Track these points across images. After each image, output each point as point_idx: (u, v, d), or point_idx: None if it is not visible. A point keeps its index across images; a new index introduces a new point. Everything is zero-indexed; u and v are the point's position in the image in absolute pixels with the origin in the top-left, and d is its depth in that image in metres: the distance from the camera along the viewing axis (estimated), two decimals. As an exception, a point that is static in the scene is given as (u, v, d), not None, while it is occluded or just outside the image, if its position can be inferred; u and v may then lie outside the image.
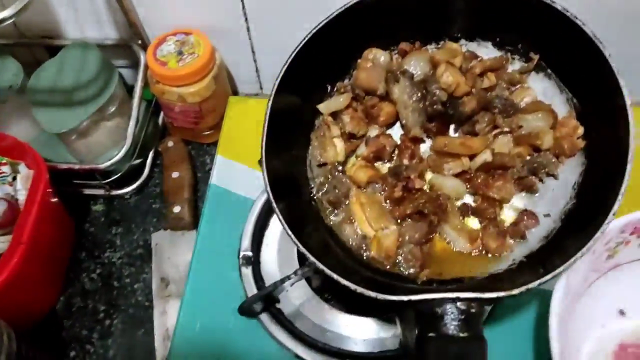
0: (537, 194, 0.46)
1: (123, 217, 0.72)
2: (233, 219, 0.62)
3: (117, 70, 0.71)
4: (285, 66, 0.47)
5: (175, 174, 0.72)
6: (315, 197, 0.49)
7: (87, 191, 0.73)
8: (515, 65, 0.49)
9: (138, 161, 0.73)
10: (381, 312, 0.51)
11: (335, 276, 0.40)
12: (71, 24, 0.73)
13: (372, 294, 0.39)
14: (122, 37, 0.74)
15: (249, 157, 0.65)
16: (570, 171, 0.45)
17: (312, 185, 0.49)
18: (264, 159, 0.44)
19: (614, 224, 0.48)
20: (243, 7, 0.68)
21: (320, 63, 0.49)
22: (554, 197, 0.45)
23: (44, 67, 0.69)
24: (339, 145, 0.49)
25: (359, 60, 0.51)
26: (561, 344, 0.43)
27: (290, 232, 0.42)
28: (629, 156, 0.39)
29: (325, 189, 0.48)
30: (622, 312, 0.53)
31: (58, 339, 0.63)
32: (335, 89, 0.52)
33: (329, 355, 0.52)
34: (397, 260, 0.45)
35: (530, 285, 0.38)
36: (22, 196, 0.64)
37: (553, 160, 0.45)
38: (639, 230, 0.50)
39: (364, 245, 0.46)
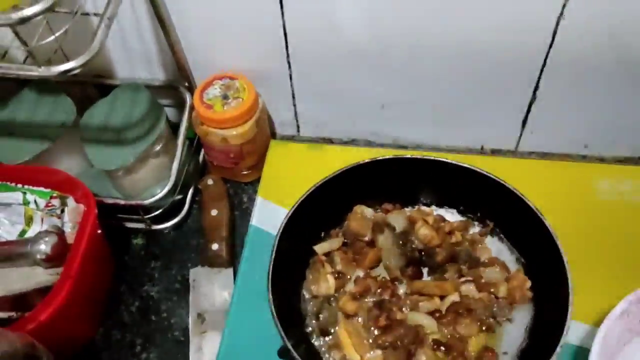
0: (496, 334, 0.55)
1: (162, 251, 0.74)
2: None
3: (165, 110, 0.74)
4: (287, 218, 0.58)
5: (214, 212, 0.74)
6: (306, 325, 0.57)
7: (129, 225, 0.75)
8: (475, 229, 0.63)
9: (179, 197, 0.76)
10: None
11: None
12: (123, 65, 0.77)
13: None
14: (170, 79, 0.78)
15: (288, 199, 0.67)
16: (523, 316, 0.56)
17: (304, 315, 0.58)
18: (270, 291, 0.53)
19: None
20: (287, 55, 0.71)
21: (316, 213, 0.61)
22: (510, 337, 0.55)
23: (96, 105, 0.72)
24: (331, 280, 0.58)
25: (349, 214, 0.63)
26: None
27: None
28: (568, 312, 0.48)
29: (316, 317, 0.56)
30: (655, 373, 0.53)
31: (96, 370, 0.64)
32: (328, 235, 0.64)
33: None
34: None
35: None
36: (68, 229, 0.66)
37: (508, 306, 0.55)
38: (675, 292, 0.51)
39: None
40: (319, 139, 0.84)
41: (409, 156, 0.61)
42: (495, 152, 0.80)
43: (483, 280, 0.56)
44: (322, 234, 0.63)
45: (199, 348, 0.64)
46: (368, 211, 0.63)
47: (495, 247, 0.60)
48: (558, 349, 0.46)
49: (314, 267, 0.60)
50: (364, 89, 0.74)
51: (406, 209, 0.64)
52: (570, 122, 0.73)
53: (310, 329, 0.57)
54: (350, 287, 0.57)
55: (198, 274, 0.70)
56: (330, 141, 0.83)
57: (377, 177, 0.62)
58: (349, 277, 0.59)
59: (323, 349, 0.55)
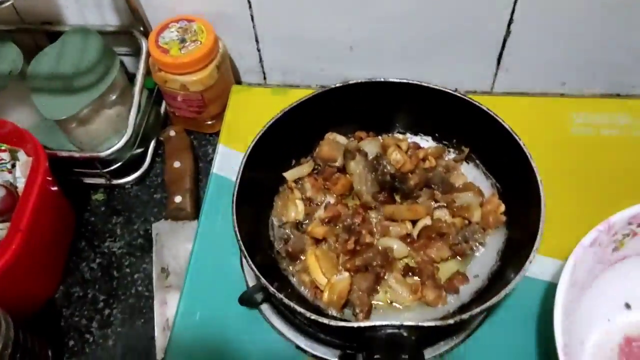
0: (468, 258, 0.54)
1: (124, 206, 0.71)
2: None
3: (119, 57, 0.70)
4: (253, 144, 0.54)
5: (176, 164, 0.71)
6: (275, 252, 0.55)
7: (88, 180, 0.72)
8: (450, 155, 0.61)
9: (139, 150, 0.73)
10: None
11: (293, 305, 0.44)
12: (72, 10, 0.73)
13: (325, 320, 0.44)
14: (124, 24, 0.74)
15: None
16: (495, 240, 0.55)
17: (273, 241, 0.56)
18: (234, 219, 0.49)
19: (621, 216, 0.48)
20: (247, -6, 0.67)
21: (285, 142, 0.58)
22: (482, 261, 0.54)
23: (44, 53, 0.68)
24: (300, 206, 0.56)
25: (320, 141, 0.60)
26: (565, 337, 0.42)
27: (259, 274, 0.46)
28: (539, 228, 0.47)
29: (285, 243, 0.55)
30: (628, 306, 0.52)
31: (57, 328, 0.62)
32: (299, 163, 0.61)
33: (331, 346, 0.51)
34: (343, 311, 0.51)
35: (463, 316, 0.43)
36: (21, 184, 0.63)
37: (481, 231, 0.54)
38: (647, 223, 0.49)
39: (314, 294, 0.52)
40: (286, 86, 0.80)
41: (382, 79, 0.57)
42: (470, 93, 0.77)
43: (457, 205, 0.55)
44: (293, 162, 0.61)
45: (164, 302, 0.62)
46: (341, 138, 0.60)
47: (470, 174, 0.59)
48: (526, 266, 0.44)
49: (283, 194, 0.58)
50: (331, 30, 0.70)
51: (380, 137, 0.62)
52: (546, 58, 0.70)
53: (278, 255, 0.55)
54: (321, 213, 0.55)
55: (161, 228, 0.68)
56: (298, 88, 0.80)
57: (350, 105, 0.58)
58: (319, 203, 0.57)
59: (292, 274, 0.54)
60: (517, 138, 0.51)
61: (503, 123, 0.52)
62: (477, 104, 0.54)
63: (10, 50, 0.68)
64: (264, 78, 0.80)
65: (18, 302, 0.59)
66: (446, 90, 0.55)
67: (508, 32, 0.67)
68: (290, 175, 0.58)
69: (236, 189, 0.51)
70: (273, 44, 0.74)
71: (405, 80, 0.56)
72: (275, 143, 0.56)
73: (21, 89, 0.67)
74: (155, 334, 0.60)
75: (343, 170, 0.57)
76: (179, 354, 0.54)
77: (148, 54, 0.69)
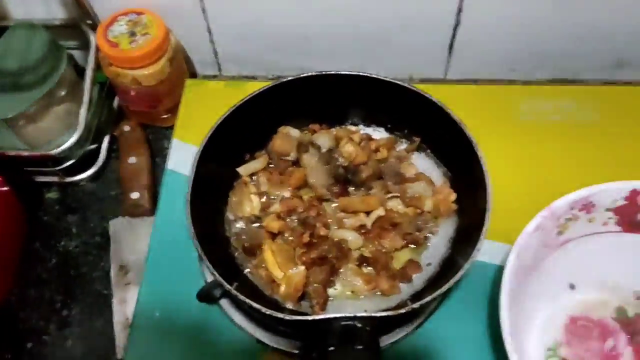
0: (421, 247, 0.55)
1: (79, 204, 0.70)
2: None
3: (67, 52, 0.68)
4: (206, 139, 0.54)
5: (132, 160, 0.70)
6: (232, 247, 0.55)
7: (40, 178, 0.71)
8: (402, 146, 0.62)
9: (93, 147, 0.71)
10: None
11: (249, 301, 0.45)
12: (16, 3, 0.70)
13: (280, 314, 0.44)
14: (71, 17, 0.71)
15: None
16: (447, 228, 0.56)
17: (230, 237, 0.56)
18: (189, 214, 0.49)
19: (563, 201, 0.50)
20: (197, -15, 0.66)
21: (238, 137, 0.57)
22: (434, 249, 0.55)
23: (-13, 49, 0.66)
24: (255, 200, 0.56)
25: (274, 135, 0.60)
26: (512, 319, 0.44)
27: (215, 272, 0.46)
28: (486, 215, 0.48)
29: (241, 238, 0.55)
30: (572, 286, 0.54)
31: (14, 330, 0.61)
32: (253, 157, 0.61)
33: (290, 339, 0.52)
34: (301, 304, 0.51)
35: (414, 306, 0.45)
36: (-33, 186, 0.61)
37: (433, 220, 0.56)
38: (587, 207, 0.51)
39: (272, 288, 0.52)
40: (242, 77, 0.80)
41: (334, 72, 0.57)
42: (424, 81, 0.78)
43: (409, 195, 0.56)
44: (247, 157, 0.61)
45: (123, 300, 0.62)
46: (294, 132, 0.60)
47: (422, 163, 0.60)
48: (474, 253, 0.46)
49: (238, 189, 0.58)
50: (285, 20, 0.70)
51: (333, 129, 0.62)
52: (496, 46, 0.72)
53: (235, 250, 0.55)
54: (276, 207, 0.55)
55: (118, 225, 0.67)
56: (254, 79, 0.80)
57: (303, 97, 0.58)
58: (274, 197, 0.57)
59: (249, 269, 0.54)
60: (463, 128, 0.52)
61: (451, 113, 0.53)
62: (427, 95, 0.55)
63: (-49, 47, 0.65)
64: (219, 70, 0.79)
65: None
66: (397, 82, 0.56)
67: (458, 20, 0.68)
68: (244, 170, 0.58)
69: (190, 185, 0.50)
70: (227, 35, 0.73)
71: (357, 73, 0.57)
72: (229, 137, 0.55)
73: (-36, 87, 0.65)
74: (115, 333, 0.60)
75: (297, 163, 0.58)
76: (138, 352, 0.54)
77: (97, 48, 0.68)
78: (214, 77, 0.80)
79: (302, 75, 0.57)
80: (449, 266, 0.51)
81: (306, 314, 0.49)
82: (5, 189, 0.62)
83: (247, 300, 0.43)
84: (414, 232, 0.54)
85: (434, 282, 0.51)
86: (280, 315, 0.43)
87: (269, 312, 0.43)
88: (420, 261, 0.53)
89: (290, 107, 0.59)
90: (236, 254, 0.54)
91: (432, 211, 0.55)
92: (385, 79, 0.57)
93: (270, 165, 0.59)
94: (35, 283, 0.64)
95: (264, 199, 0.56)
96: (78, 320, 0.62)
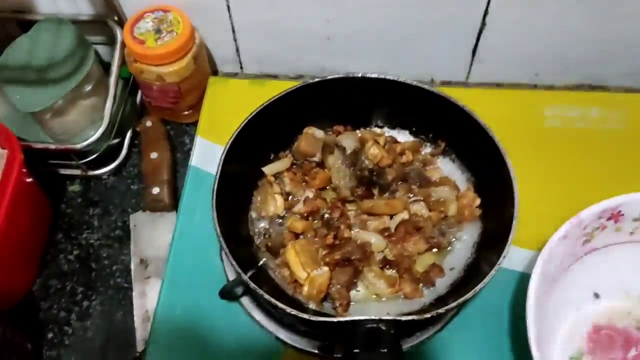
0: (445, 252, 0.55)
1: (100, 198, 0.71)
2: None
3: (93, 47, 0.69)
4: (232, 139, 0.54)
5: (153, 155, 0.70)
6: (255, 246, 0.56)
7: (63, 171, 0.71)
8: (427, 149, 0.62)
9: (116, 141, 0.72)
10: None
11: (274, 301, 0.45)
12: (44, -2, 0.71)
13: (306, 316, 0.44)
14: (98, 13, 0.72)
15: (228, 138, 0.64)
16: (471, 233, 0.55)
17: (253, 235, 0.56)
18: (215, 213, 0.49)
19: (591, 210, 0.49)
20: (223, -17, 0.66)
21: (264, 137, 0.58)
22: (458, 254, 0.55)
23: (16, 43, 0.66)
24: (279, 200, 0.56)
25: (299, 135, 0.60)
26: (537, 327, 0.44)
27: (240, 270, 0.47)
28: (513, 222, 0.48)
29: (265, 237, 0.55)
30: (596, 295, 0.54)
31: (35, 320, 0.62)
32: (277, 157, 0.61)
33: (310, 338, 0.52)
34: (323, 305, 0.51)
35: (440, 310, 0.44)
36: (-6, 176, 0.62)
37: (457, 224, 0.55)
38: (615, 217, 0.51)
39: (294, 288, 0.52)
40: (263, 75, 0.80)
41: (360, 75, 0.57)
42: (445, 83, 0.78)
43: (433, 199, 0.56)
44: (272, 157, 0.61)
45: (143, 294, 0.62)
46: (319, 132, 0.60)
47: (446, 168, 0.60)
48: (501, 260, 0.46)
49: (262, 189, 0.58)
50: (308, 20, 0.70)
51: (358, 130, 0.62)
52: (520, 50, 0.71)
53: (258, 249, 0.55)
54: (300, 208, 0.56)
55: (139, 220, 0.68)
56: (276, 77, 0.80)
57: (328, 99, 0.59)
58: (298, 198, 0.57)
59: (272, 268, 0.54)
60: (491, 134, 0.52)
61: (478, 119, 0.53)
62: (453, 100, 0.55)
63: (-20, 40, 0.66)
64: (241, 68, 0.80)
65: (-4, 296, 0.59)
66: (422, 86, 0.56)
67: (483, 23, 0.68)
68: (269, 169, 0.58)
69: (216, 183, 0.51)
70: (250, 34, 0.74)
71: (382, 76, 0.57)
72: (254, 137, 0.56)
73: (-7, 80, 0.66)
74: (135, 326, 0.60)
75: (322, 164, 0.58)
76: (159, 347, 0.54)
77: (123, 44, 0.68)
78: (235, 74, 0.80)
79: (328, 78, 0.57)
80: (473, 271, 0.51)
81: (329, 315, 0.49)
82: (30, 181, 0.63)
83: (272, 300, 0.44)
84: (438, 236, 0.54)
85: (457, 287, 0.51)
86: (306, 316, 0.43)
87: (293, 312, 0.43)
88: (443, 265, 0.53)
89: (315, 108, 0.59)
90: (259, 253, 0.54)
91: (456, 216, 0.55)
92: (411, 83, 0.56)
93: (295, 166, 0.59)
94: (57, 274, 0.65)
95: (287, 199, 0.56)
96: (98, 312, 0.62)
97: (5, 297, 0.62)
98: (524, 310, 0.45)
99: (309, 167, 0.57)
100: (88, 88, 0.67)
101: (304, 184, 0.57)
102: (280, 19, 0.70)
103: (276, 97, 0.56)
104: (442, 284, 0.52)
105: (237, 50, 0.76)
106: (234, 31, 0.73)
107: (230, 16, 0.71)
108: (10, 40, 0.67)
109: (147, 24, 0.67)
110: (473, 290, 0.44)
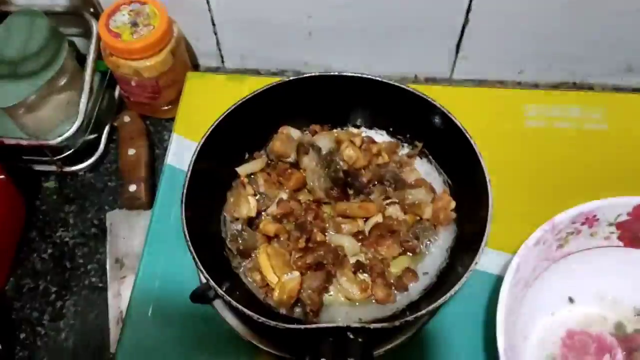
0: (419, 256, 0.54)
1: (77, 195, 0.69)
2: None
3: (67, 40, 0.67)
4: (205, 137, 0.53)
5: (131, 151, 0.69)
6: (227, 249, 0.54)
7: (38, 167, 0.70)
8: (404, 150, 0.61)
9: (92, 137, 0.71)
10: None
11: (242, 308, 0.44)
12: (17, -12, 0.69)
13: (272, 322, 0.43)
14: (73, 4, 0.70)
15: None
16: (445, 237, 0.55)
17: (225, 238, 0.55)
18: (183, 214, 0.48)
19: (565, 215, 0.49)
20: (201, -24, 0.65)
21: (238, 135, 0.57)
22: (432, 258, 0.54)
23: (-12, 36, 0.65)
24: (252, 202, 0.55)
25: (275, 134, 0.59)
26: (509, 332, 0.44)
27: (208, 277, 0.46)
28: (487, 224, 0.47)
29: (237, 240, 0.54)
30: (571, 300, 0.54)
31: (7, 321, 0.61)
32: (252, 157, 0.60)
33: (281, 344, 0.51)
34: (294, 310, 0.50)
35: (409, 318, 0.44)
36: (-35, 173, 0.61)
37: (431, 228, 0.54)
38: (590, 221, 0.50)
39: (265, 292, 0.51)
40: (245, 70, 0.79)
41: (336, 74, 0.56)
42: (429, 80, 0.77)
43: (408, 202, 0.55)
44: (247, 156, 0.59)
45: (118, 293, 0.62)
46: (295, 132, 0.59)
47: (423, 169, 0.59)
48: (473, 265, 0.45)
49: (235, 190, 0.57)
50: (290, 14, 0.69)
51: (334, 130, 0.61)
52: (504, 46, 0.70)
53: (229, 252, 0.54)
54: (273, 210, 0.55)
55: (115, 217, 0.67)
56: (257, 73, 0.79)
57: (305, 97, 0.57)
58: (272, 199, 0.56)
59: (243, 272, 0.53)
60: (468, 136, 0.51)
61: (454, 119, 0.52)
62: (430, 100, 0.54)
63: (-49, 32, 0.64)
64: (222, 62, 0.78)
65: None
66: (401, 85, 0.55)
67: (467, 19, 0.67)
68: (242, 170, 0.57)
69: (186, 183, 0.50)
70: (231, 27, 0.72)
71: (360, 75, 0.56)
72: (229, 136, 0.54)
73: (-37, 73, 0.64)
74: (110, 326, 0.60)
75: (296, 165, 0.57)
76: (130, 349, 0.54)
77: (99, 37, 0.67)
78: (217, 69, 0.79)
79: (304, 76, 0.56)
80: (447, 276, 0.50)
81: (299, 320, 0.49)
82: (3, 177, 0.62)
83: (239, 307, 0.43)
84: (412, 240, 0.53)
85: (430, 292, 0.50)
86: (272, 323, 0.43)
87: (261, 319, 0.42)
88: (417, 270, 0.52)
89: (292, 106, 0.58)
90: (231, 256, 0.54)
91: (431, 219, 0.54)
92: (389, 82, 0.55)
93: (269, 166, 0.58)
94: (30, 273, 0.64)
95: (261, 201, 0.55)
96: (72, 312, 0.62)
97: (-25, 298, 0.61)
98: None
99: (283, 168, 0.56)
100: (62, 82, 0.66)
101: (278, 185, 0.56)
102: (261, 13, 0.69)
103: (251, 94, 0.55)
104: (415, 289, 0.51)
105: (218, 43, 0.75)
106: (214, 24, 0.72)
107: (209, 9, 0.69)
108: (-19, 32, 0.65)
109: (123, 16, 0.66)
110: (444, 297, 0.43)
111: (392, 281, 0.51)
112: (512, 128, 0.65)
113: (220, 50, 0.76)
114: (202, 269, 0.45)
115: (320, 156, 0.55)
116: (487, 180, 0.48)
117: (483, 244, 0.45)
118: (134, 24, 0.65)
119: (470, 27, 0.68)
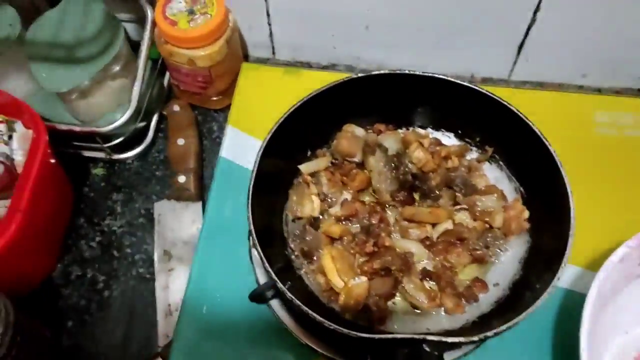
0: (488, 265, 0.52)
1: (124, 183, 0.68)
2: (244, 195, 0.58)
3: (123, 26, 0.66)
4: (271, 133, 0.52)
5: (180, 141, 0.68)
6: (289, 248, 0.53)
7: (87, 153, 0.69)
8: (473, 155, 0.58)
9: (141, 124, 0.69)
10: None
11: (312, 313, 0.43)
12: (72, -28, 0.68)
13: (345, 330, 0.41)
14: (128, -11, 0.69)
15: (261, 130, 0.61)
16: (517, 247, 0.52)
17: (287, 237, 0.54)
18: (249, 210, 0.47)
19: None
20: (260, -35, 0.63)
21: (303, 132, 0.55)
22: (503, 269, 0.52)
23: (44, 17, 0.64)
24: (316, 201, 0.53)
25: (338, 132, 0.57)
26: (589, 353, 0.42)
27: (276, 279, 0.44)
28: (569, 240, 0.45)
29: (299, 240, 0.53)
30: (645, 319, 0.51)
31: (55, 308, 0.60)
32: (314, 154, 0.58)
33: (346, 347, 0.50)
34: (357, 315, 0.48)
35: (488, 334, 0.42)
36: (18, 156, 0.60)
37: (502, 237, 0.52)
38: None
39: (329, 296, 0.50)
40: (296, 62, 0.77)
41: (406, 72, 0.54)
42: (486, 80, 0.74)
43: (478, 209, 0.53)
44: (309, 154, 0.58)
45: (166, 286, 0.61)
46: (359, 130, 0.57)
47: (493, 175, 0.56)
48: (555, 281, 0.43)
49: (298, 188, 0.55)
50: (348, 7, 0.67)
51: (400, 130, 0.59)
52: (569, 49, 0.68)
53: (292, 252, 0.53)
54: (337, 210, 0.53)
55: (163, 208, 0.65)
56: (308, 65, 0.77)
57: (369, 96, 0.55)
58: (335, 199, 0.54)
59: (306, 273, 0.52)
60: (546, 142, 0.49)
61: (532, 126, 0.50)
62: (505, 103, 0.51)
63: (7, 13, 0.63)
64: (273, 53, 0.77)
65: (16, 281, 0.57)
66: (472, 86, 0.53)
67: (533, 19, 0.64)
68: (306, 168, 0.55)
69: (252, 180, 0.48)
70: (285, 19, 0.70)
71: (429, 74, 0.54)
72: (292, 133, 0.53)
73: (17, 54, 0.63)
74: (158, 319, 0.59)
75: (361, 165, 0.55)
76: (185, 347, 0.52)
77: (154, 24, 0.65)
78: (267, 60, 0.77)
79: (374, 73, 0.54)
80: (521, 289, 0.48)
81: (364, 327, 0.47)
82: (54, 162, 0.61)
83: (310, 312, 0.41)
84: (482, 248, 0.51)
85: (502, 306, 0.48)
86: (345, 331, 0.41)
87: (333, 326, 0.41)
88: (486, 280, 0.50)
89: (356, 104, 0.56)
90: (292, 255, 0.52)
91: (502, 228, 0.52)
92: (459, 82, 0.53)
93: (333, 165, 0.57)
94: (78, 261, 0.63)
95: (324, 200, 0.54)
96: (119, 302, 0.61)
97: (25, 283, 0.60)
98: (569, 329, 0.43)
99: (348, 168, 0.54)
100: (116, 68, 0.65)
101: (341, 184, 0.54)
102: (319, 4, 0.67)
103: (316, 92, 0.53)
104: (485, 301, 0.49)
105: (271, 34, 0.73)
106: (268, 15, 0.70)
107: (265, 0, 0.67)
108: (37, 14, 0.64)
109: (179, 4, 0.64)
110: (525, 313, 0.41)
111: (461, 291, 0.49)
112: (580, 135, 0.62)
113: (272, 42, 0.74)
114: (269, 268, 0.43)
115: (387, 157, 0.53)
116: (569, 191, 0.46)
117: (565, 259, 0.43)
118: (191, 12, 0.63)
119: (535, 27, 0.65)
